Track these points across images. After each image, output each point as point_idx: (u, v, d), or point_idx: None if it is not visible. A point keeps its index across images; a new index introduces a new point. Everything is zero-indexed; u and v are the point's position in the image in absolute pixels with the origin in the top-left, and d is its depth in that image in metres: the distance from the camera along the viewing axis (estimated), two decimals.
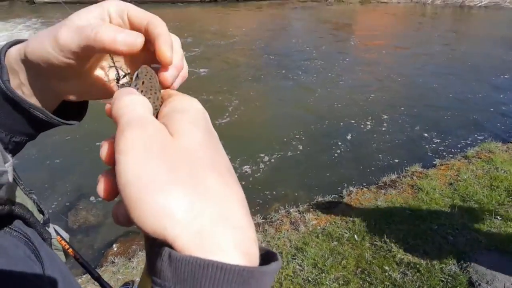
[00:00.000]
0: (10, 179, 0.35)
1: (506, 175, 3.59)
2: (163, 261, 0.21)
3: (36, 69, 0.36)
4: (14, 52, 0.38)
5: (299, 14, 14.77)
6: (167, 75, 0.33)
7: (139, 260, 2.61)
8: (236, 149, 4.21)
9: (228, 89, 6.10)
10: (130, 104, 0.26)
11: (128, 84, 0.34)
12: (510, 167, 3.71)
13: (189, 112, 0.28)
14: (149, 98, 0.29)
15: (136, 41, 0.32)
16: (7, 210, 0.37)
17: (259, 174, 3.85)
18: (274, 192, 3.54)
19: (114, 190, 0.26)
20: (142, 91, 0.29)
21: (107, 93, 0.40)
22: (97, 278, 0.57)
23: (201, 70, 6.95)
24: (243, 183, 3.66)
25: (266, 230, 2.85)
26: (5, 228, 0.39)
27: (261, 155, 4.17)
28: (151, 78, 0.31)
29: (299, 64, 7.63)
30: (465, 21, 13.82)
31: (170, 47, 0.32)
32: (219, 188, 0.24)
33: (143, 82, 0.30)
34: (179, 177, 0.23)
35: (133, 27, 0.34)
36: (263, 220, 2.98)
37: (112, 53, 0.34)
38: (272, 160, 4.09)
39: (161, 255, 0.21)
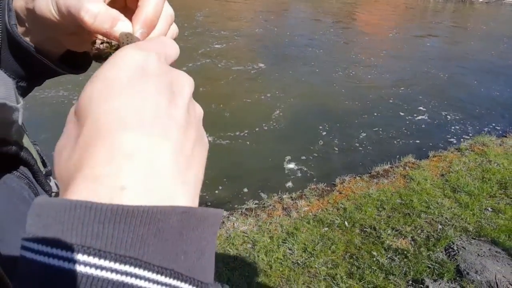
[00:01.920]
0: (20, 120, 0.34)
1: (499, 168, 3.63)
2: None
3: (41, 20, 0.36)
4: (20, 1, 0.38)
5: (300, 4, 14.61)
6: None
7: None
8: (233, 135, 4.22)
9: (225, 76, 6.08)
10: None
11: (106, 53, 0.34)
12: (503, 161, 3.75)
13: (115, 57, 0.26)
14: None
15: (112, 29, 0.30)
16: (14, 151, 0.37)
17: (254, 160, 3.87)
18: (268, 179, 3.56)
19: None
20: None
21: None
22: None
23: (200, 58, 6.90)
24: (239, 169, 3.68)
25: (258, 215, 2.88)
26: (13, 171, 0.39)
27: (256, 141, 4.18)
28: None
29: (298, 53, 7.59)
30: (466, 16, 13.74)
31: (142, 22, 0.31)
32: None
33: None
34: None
35: None
36: (256, 205, 3.01)
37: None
38: (268, 148, 4.10)
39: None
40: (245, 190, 3.35)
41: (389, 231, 2.67)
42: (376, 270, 2.31)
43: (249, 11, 11.68)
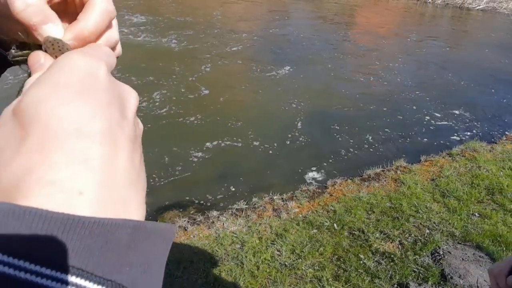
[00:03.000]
0: None
1: (488, 173, 3.66)
2: None
3: None
4: None
5: (300, 5, 14.62)
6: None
7: None
8: (225, 135, 4.23)
9: (224, 76, 6.08)
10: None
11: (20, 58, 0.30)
12: (492, 166, 3.79)
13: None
14: (55, 57, 0.28)
15: (40, 25, 0.28)
16: None
17: (247, 161, 3.88)
18: (260, 180, 3.57)
19: None
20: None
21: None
22: None
23: (201, 57, 6.90)
24: (231, 169, 3.69)
25: (248, 215, 2.89)
26: None
27: (252, 142, 4.19)
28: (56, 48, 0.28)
29: (296, 54, 7.60)
30: (463, 22, 13.83)
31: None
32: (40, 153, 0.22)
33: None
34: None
35: None
36: (246, 206, 3.02)
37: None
38: (260, 149, 4.11)
39: None
40: (237, 190, 3.36)
41: (377, 235, 2.70)
42: (362, 273, 2.33)
43: (249, 12, 11.68)
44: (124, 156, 0.23)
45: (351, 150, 4.25)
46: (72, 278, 0.19)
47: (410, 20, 13.08)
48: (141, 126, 0.29)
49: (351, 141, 4.45)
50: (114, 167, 0.22)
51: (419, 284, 2.25)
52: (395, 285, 2.25)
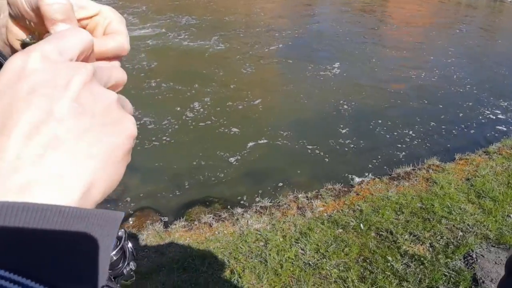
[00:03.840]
0: None
1: None
2: None
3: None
4: None
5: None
6: None
7: (149, 233, 2.72)
8: (252, 132, 4.24)
9: (249, 72, 6.08)
10: None
11: None
12: None
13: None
14: None
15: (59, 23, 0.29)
16: None
17: (272, 158, 3.87)
18: (285, 177, 3.55)
19: None
20: None
21: None
22: None
23: (217, 47, 6.94)
24: (256, 166, 3.70)
25: (272, 213, 2.89)
26: None
27: (277, 140, 4.17)
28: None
29: (323, 48, 7.45)
30: (499, 14, 12.96)
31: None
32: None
33: None
34: None
35: None
36: (271, 204, 3.02)
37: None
38: (287, 146, 4.08)
39: None
40: (261, 188, 3.37)
41: (406, 236, 2.60)
42: (389, 275, 2.26)
43: (274, 5, 11.58)
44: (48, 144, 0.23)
45: (379, 147, 4.12)
46: None
47: (446, 10, 12.43)
48: (105, 97, 0.26)
49: (378, 138, 4.31)
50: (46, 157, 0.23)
51: None
52: None
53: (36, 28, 0.32)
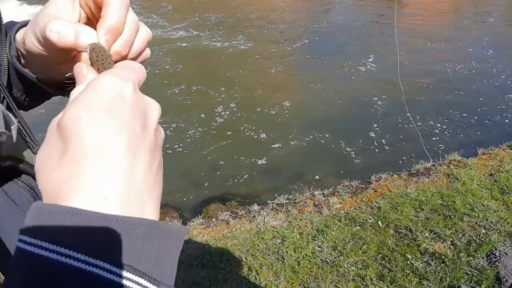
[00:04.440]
0: (14, 139, 0.40)
1: None
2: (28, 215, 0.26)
3: (32, 55, 0.41)
4: (19, 36, 0.43)
5: None
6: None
7: None
8: (267, 128, 4.24)
9: (265, 68, 6.07)
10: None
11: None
12: None
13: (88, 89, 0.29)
14: (97, 69, 0.33)
15: (77, 40, 0.33)
16: (9, 165, 0.42)
17: (288, 155, 3.87)
18: (301, 174, 3.54)
19: None
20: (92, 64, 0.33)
21: None
22: None
23: (241, 47, 6.95)
24: (272, 163, 3.71)
25: (289, 210, 2.89)
26: (14, 179, 0.45)
27: (291, 136, 4.16)
28: (103, 59, 0.33)
29: (339, 44, 7.34)
30: None
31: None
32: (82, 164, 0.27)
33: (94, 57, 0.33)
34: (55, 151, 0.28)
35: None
36: (287, 201, 3.02)
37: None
38: (303, 143, 4.07)
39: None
40: (278, 185, 3.37)
41: (426, 234, 2.55)
42: (409, 274, 2.23)
43: (289, 1, 11.46)
44: (142, 166, 0.28)
45: (397, 142, 4.04)
46: (97, 262, 0.24)
47: (464, 3, 11.97)
48: (162, 134, 0.32)
49: (397, 133, 4.22)
50: (133, 177, 0.27)
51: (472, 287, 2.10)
52: None
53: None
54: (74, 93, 0.31)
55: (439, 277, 2.19)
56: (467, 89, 5.31)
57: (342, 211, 2.83)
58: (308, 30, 8.05)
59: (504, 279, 2.13)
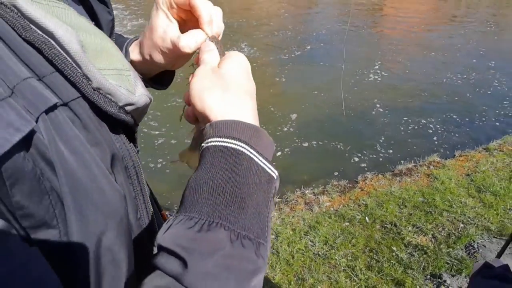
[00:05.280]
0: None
1: None
2: (207, 128, 0.40)
3: (155, 62, 0.55)
4: (135, 48, 0.56)
5: None
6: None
7: None
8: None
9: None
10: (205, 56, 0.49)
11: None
12: None
13: (230, 57, 0.47)
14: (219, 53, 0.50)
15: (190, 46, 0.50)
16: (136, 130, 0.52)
17: (279, 156, 4.01)
18: (292, 175, 3.69)
19: (193, 116, 0.47)
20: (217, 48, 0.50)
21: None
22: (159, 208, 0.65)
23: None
24: None
25: (281, 208, 3.03)
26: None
27: (283, 138, 4.31)
28: (218, 43, 0.50)
29: (322, 46, 7.61)
30: (505, 9, 13.10)
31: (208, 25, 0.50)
32: (237, 99, 0.43)
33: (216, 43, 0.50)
34: (217, 86, 0.43)
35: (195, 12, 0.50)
36: (279, 200, 3.15)
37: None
38: (293, 144, 4.23)
39: (205, 128, 0.41)
40: None
41: (409, 228, 2.74)
42: (395, 264, 2.40)
43: (273, 3, 11.74)
44: (255, 103, 0.46)
45: (381, 145, 4.26)
46: (247, 147, 0.39)
47: (444, 8, 12.58)
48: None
49: (380, 136, 4.45)
50: (254, 109, 0.44)
51: (453, 276, 2.28)
52: (428, 276, 2.30)
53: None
54: (209, 61, 0.47)
55: (422, 266, 2.36)
56: (445, 95, 5.63)
57: (332, 209, 2.99)
58: (306, 38, 8.30)
59: None
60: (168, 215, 0.65)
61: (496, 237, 2.64)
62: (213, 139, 0.38)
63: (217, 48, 0.49)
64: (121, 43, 0.56)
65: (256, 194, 0.36)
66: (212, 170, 0.36)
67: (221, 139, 0.38)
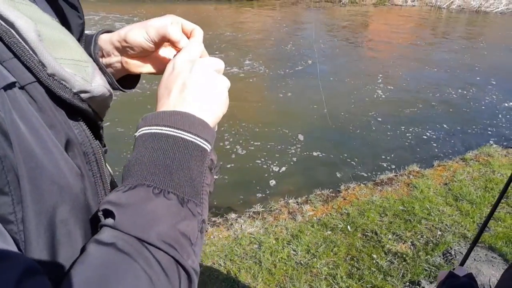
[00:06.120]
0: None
1: (502, 178, 3.69)
2: (139, 121, 0.46)
3: (121, 51, 0.59)
4: (104, 36, 0.60)
5: (312, 14, 14.84)
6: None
7: None
8: (244, 141, 4.41)
9: (234, 85, 6.29)
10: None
11: None
12: (507, 171, 3.81)
13: (207, 58, 0.53)
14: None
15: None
16: (100, 125, 0.54)
17: (263, 167, 4.04)
18: (276, 185, 3.72)
19: None
20: None
21: (160, 70, 0.63)
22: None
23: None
24: (248, 173, 3.87)
25: (265, 218, 3.04)
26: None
27: (265, 149, 4.35)
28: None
29: (308, 63, 7.77)
30: (481, 27, 13.70)
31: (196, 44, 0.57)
32: (184, 99, 0.48)
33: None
34: (178, 81, 0.49)
35: (184, 31, 0.58)
36: (263, 209, 3.17)
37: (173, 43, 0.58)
38: (276, 155, 4.27)
39: (139, 121, 0.45)
40: (253, 194, 3.52)
41: (390, 236, 2.79)
42: (375, 271, 2.44)
43: (262, 21, 11.95)
44: (203, 107, 0.49)
45: (362, 156, 4.35)
46: (182, 132, 0.44)
47: (425, 27, 13.06)
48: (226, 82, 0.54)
49: (361, 148, 4.55)
50: (199, 110, 0.49)
51: (431, 282, 2.33)
52: (407, 283, 2.35)
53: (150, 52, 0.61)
54: (181, 58, 0.52)
55: (401, 274, 2.41)
56: (424, 108, 5.82)
57: (315, 218, 3.03)
58: (307, 53, 8.44)
59: None
60: None
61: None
62: (143, 128, 0.44)
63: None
64: (90, 36, 0.60)
65: (187, 163, 0.42)
66: (142, 150, 0.42)
67: (149, 127, 0.44)
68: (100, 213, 0.39)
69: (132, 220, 0.37)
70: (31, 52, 0.39)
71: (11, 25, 0.38)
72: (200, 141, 0.44)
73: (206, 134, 0.45)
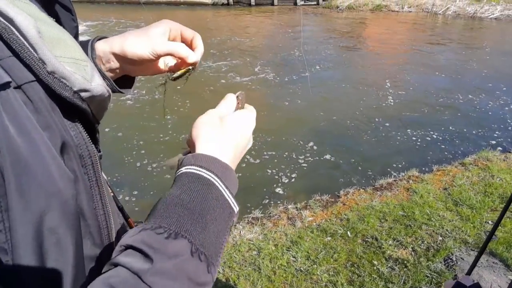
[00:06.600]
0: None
1: (501, 182, 3.69)
2: (188, 157, 0.45)
3: (120, 59, 0.59)
4: (102, 44, 0.59)
5: (310, 20, 14.93)
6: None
7: None
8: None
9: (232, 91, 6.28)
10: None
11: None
12: (506, 175, 3.81)
13: (242, 112, 0.55)
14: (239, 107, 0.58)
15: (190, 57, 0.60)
16: (97, 127, 0.53)
17: (262, 172, 4.02)
18: (275, 190, 3.70)
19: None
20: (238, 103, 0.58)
21: (155, 73, 0.65)
22: (121, 209, 0.65)
23: (208, 71, 7.16)
24: (247, 179, 3.84)
25: (264, 224, 3.01)
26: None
27: (264, 153, 4.33)
28: (240, 98, 0.59)
29: (305, 69, 7.78)
30: (479, 32, 13.81)
31: (200, 55, 0.62)
32: (224, 145, 0.49)
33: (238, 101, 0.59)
34: (215, 128, 0.50)
35: (184, 37, 0.61)
36: (262, 215, 3.14)
37: (179, 58, 0.61)
38: (275, 160, 4.25)
39: (187, 156, 0.45)
40: (252, 200, 3.49)
41: (390, 242, 2.77)
42: (376, 278, 2.40)
43: (259, 27, 12.00)
44: (238, 155, 0.53)
45: (361, 161, 4.33)
46: (218, 179, 0.45)
47: (421, 32, 13.15)
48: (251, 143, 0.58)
49: (361, 153, 4.54)
50: (234, 159, 0.51)
51: None
52: None
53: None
54: (221, 109, 0.55)
55: (402, 280, 2.38)
56: (423, 113, 5.82)
57: (314, 223, 3.00)
58: (309, 60, 8.46)
59: None
60: (135, 223, 0.64)
61: (473, 250, 2.70)
62: (191, 167, 0.44)
63: (237, 103, 0.57)
64: (85, 41, 0.59)
65: (218, 221, 0.42)
66: (187, 191, 0.41)
67: (199, 169, 0.44)
68: (121, 248, 0.37)
69: (168, 274, 0.36)
70: (30, 49, 0.38)
71: (11, 21, 0.37)
72: (233, 203, 0.45)
73: (235, 193, 0.47)
